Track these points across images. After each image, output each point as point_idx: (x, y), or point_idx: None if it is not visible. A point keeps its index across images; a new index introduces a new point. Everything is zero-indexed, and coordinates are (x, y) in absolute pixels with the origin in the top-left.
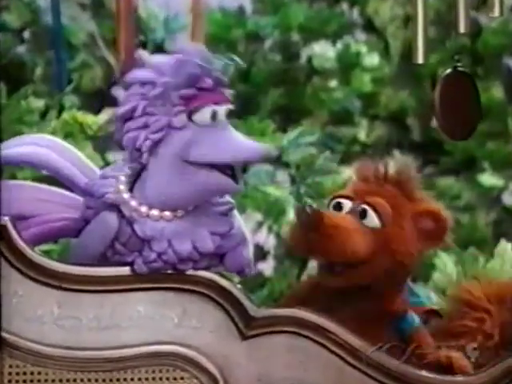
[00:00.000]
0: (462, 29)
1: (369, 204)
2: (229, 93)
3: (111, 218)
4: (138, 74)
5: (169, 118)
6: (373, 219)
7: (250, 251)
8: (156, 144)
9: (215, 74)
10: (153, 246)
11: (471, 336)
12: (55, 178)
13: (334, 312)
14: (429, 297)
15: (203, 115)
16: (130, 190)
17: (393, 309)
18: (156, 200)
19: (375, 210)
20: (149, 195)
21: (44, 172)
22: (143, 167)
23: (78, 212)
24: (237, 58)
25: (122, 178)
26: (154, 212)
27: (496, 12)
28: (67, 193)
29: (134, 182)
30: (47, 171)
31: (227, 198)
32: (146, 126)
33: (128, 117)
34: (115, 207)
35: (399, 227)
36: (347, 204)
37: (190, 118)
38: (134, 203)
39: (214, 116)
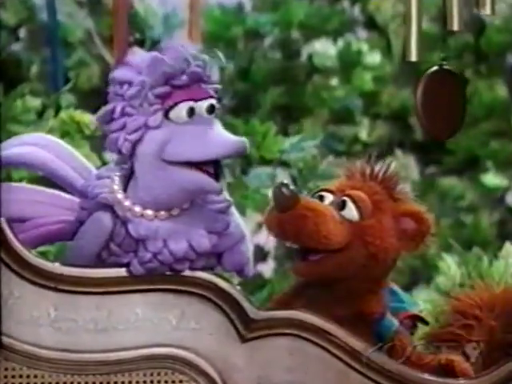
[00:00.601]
0: (455, 26)
1: (349, 196)
2: (212, 88)
3: (105, 218)
4: (116, 73)
5: (146, 117)
6: (351, 211)
7: (249, 250)
8: (135, 145)
9: (193, 70)
10: (148, 246)
11: (457, 344)
12: (52, 179)
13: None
14: (414, 303)
15: (179, 112)
16: (125, 189)
17: (371, 312)
18: (146, 200)
19: (354, 202)
20: (140, 195)
21: (40, 173)
22: (133, 167)
23: (74, 214)
24: (219, 54)
25: (116, 178)
26: (148, 212)
27: (487, 10)
28: (64, 195)
29: (127, 181)
30: (45, 173)
31: (224, 195)
32: (124, 127)
33: (108, 119)
34: (109, 207)
35: (377, 221)
36: (328, 197)
37: (166, 116)
38: (127, 203)
39: (190, 112)
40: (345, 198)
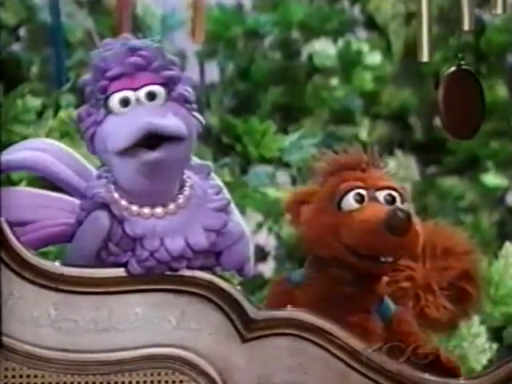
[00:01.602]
0: (466, 26)
1: (390, 188)
2: (160, 75)
3: (102, 217)
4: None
5: (96, 114)
6: (399, 202)
7: (249, 249)
8: (91, 143)
9: (130, 60)
10: (145, 245)
11: (413, 295)
12: (53, 182)
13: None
14: None
15: (113, 103)
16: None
17: (379, 291)
18: (132, 196)
19: (399, 194)
20: (126, 193)
21: (41, 175)
22: None
23: (75, 216)
24: (155, 38)
25: (113, 178)
26: (145, 210)
27: (499, 9)
28: (66, 197)
29: None
30: (47, 177)
31: (222, 194)
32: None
33: (78, 121)
34: (106, 206)
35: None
36: (364, 193)
37: (107, 109)
38: (124, 202)
39: (123, 102)
40: (391, 191)
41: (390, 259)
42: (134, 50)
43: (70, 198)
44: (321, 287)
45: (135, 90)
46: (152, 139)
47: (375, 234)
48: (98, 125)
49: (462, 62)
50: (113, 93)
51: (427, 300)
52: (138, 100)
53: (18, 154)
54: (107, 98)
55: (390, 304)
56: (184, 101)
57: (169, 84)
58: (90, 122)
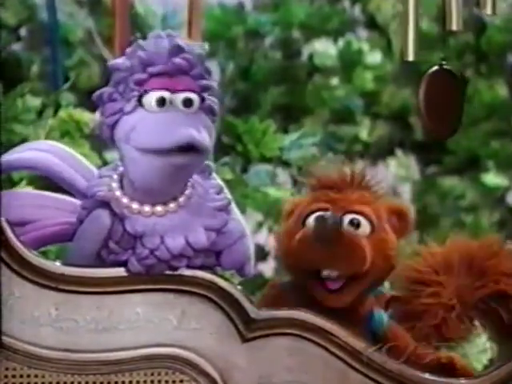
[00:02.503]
0: (454, 26)
1: (358, 213)
2: (199, 83)
3: (103, 215)
4: (112, 61)
5: (124, 103)
6: (365, 228)
7: (249, 249)
8: (112, 130)
9: (175, 61)
10: (145, 243)
11: (432, 313)
12: (55, 182)
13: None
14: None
15: (150, 100)
16: (122, 187)
17: (362, 310)
18: (138, 193)
19: (366, 218)
20: (131, 189)
21: (44, 175)
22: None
23: (76, 215)
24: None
25: (115, 176)
26: (146, 208)
27: (488, 10)
28: (66, 197)
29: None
30: (48, 176)
31: (223, 193)
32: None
33: (98, 103)
34: (107, 205)
35: (384, 231)
36: (338, 219)
37: (140, 103)
38: (125, 200)
39: (160, 102)
40: (357, 216)
41: (334, 273)
42: (180, 51)
43: (70, 199)
44: (299, 299)
45: (173, 92)
46: (189, 148)
47: (307, 247)
48: (123, 114)
49: (444, 62)
50: (151, 90)
51: (446, 320)
52: (171, 103)
53: (21, 154)
54: (144, 92)
55: (383, 318)
56: (211, 112)
57: (203, 93)
58: (115, 108)
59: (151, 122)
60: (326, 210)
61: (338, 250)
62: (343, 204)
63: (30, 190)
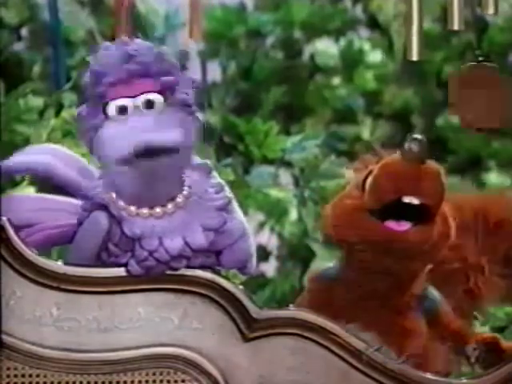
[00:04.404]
0: (455, 26)
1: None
2: (158, 82)
3: (102, 217)
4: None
5: (94, 118)
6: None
7: (250, 247)
8: (90, 147)
9: (128, 67)
10: (144, 245)
11: (463, 278)
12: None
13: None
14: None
15: (111, 110)
16: None
17: (419, 291)
18: (132, 198)
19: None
20: (125, 194)
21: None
22: None
23: (75, 217)
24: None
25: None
26: (144, 210)
27: (491, 10)
28: (68, 199)
29: None
30: (50, 179)
31: (223, 192)
32: (85, 129)
33: (78, 120)
34: (105, 207)
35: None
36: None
37: (106, 115)
38: (122, 202)
39: (121, 110)
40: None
41: (415, 200)
42: (130, 57)
43: (71, 200)
44: (355, 283)
45: (133, 97)
46: (149, 151)
47: (391, 174)
48: (96, 129)
49: (481, 58)
50: (111, 100)
51: (477, 280)
52: (136, 107)
53: (21, 158)
54: (106, 104)
55: (435, 296)
56: (183, 104)
57: (167, 90)
58: (90, 124)
59: (113, 132)
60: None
61: (424, 175)
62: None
63: (29, 193)
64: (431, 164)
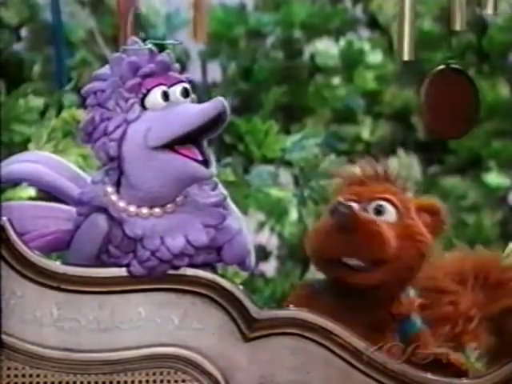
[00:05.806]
0: (457, 26)
1: (386, 200)
2: (180, 75)
3: (100, 219)
4: (88, 86)
5: (124, 114)
6: (391, 214)
7: (248, 242)
8: (120, 143)
9: (160, 59)
10: (145, 245)
11: (452, 322)
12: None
13: (339, 319)
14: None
15: (154, 99)
16: (118, 191)
17: (398, 312)
18: (138, 196)
19: (392, 205)
20: (132, 193)
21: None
22: (121, 168)
23: (71, 223)
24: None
25: (109, 181)
26: (143, 210)
27: (489, 9)
28: (62, 205)
29: (119, 183)
30: (39, 186)
31: (218, 189)
32: (106, 131)
33: (90, 128)
34: (104, 210)
35: (412, 219)
36: (355, 206)
37: (143, 106)
38: (122, 204)
39: (164, 96)
40: (382, 202)
41: (355, 261)
42: (155, 52)
43: (65, 206)
44: (334, 298)
45: (168, 86)
46: (211, 123)
47: (326, 235)
48: (129, 123)
49: (452, 61)
50: (150, 88)
51: (465, 329)
52: (173, 95)
53: (10, 167)
54: (145, 94)
55: (418, 322)
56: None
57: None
58: (116, 122)
59: (166, 115)
60: (351, 201)
61: (355, 237)
62: (368, 194)
63: (24, 202)
64: (363, 218)
